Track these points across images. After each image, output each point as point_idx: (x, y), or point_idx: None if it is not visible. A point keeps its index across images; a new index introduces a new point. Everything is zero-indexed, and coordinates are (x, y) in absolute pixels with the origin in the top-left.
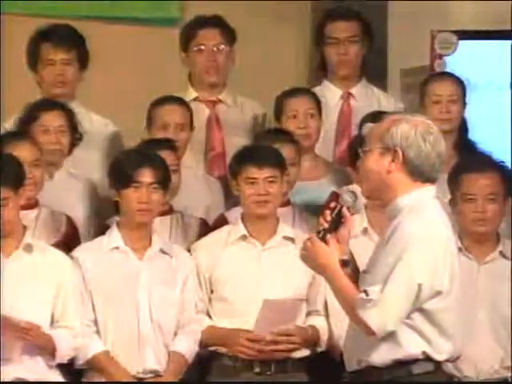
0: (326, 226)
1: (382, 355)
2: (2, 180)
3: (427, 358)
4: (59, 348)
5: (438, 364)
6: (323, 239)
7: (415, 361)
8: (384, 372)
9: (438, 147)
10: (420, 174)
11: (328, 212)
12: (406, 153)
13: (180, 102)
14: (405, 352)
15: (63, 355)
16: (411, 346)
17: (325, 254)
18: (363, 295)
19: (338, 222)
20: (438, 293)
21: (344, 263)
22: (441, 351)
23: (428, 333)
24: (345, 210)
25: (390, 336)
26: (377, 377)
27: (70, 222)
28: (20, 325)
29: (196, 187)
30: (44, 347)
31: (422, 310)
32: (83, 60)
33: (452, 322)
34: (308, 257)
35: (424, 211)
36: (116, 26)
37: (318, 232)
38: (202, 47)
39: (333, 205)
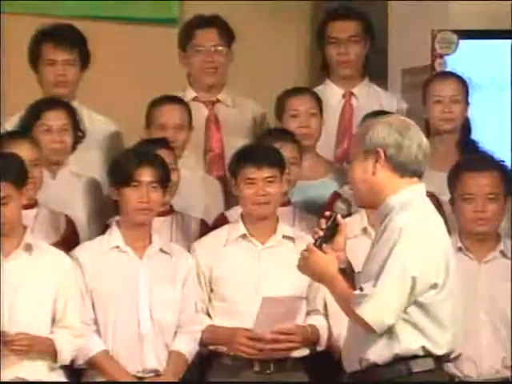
0: (322, 234)
1: (381, 352)
2: (4, 176)
3: (427, 354)
4: (60, 351)
5: (438, 361)
6: (320, 248)
7: (415, 357)
8: (384, 370)
9: (417, 139)
10: (404, 168)
11: (323, 221)
12: (387, 151)
13: (178, 101)
14: (404, 347)
15: (65, 358)
16: (410, 340)
17: (323, 262)
18: (358, 292)
19: (333, 231)
20: (434, 285)
21: (342, 271)
22: (440, 345)
23: (425, 327)
24: (339, 217)
25: (389, 332)
26: (376, 375)
27: (69, 221)
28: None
29: (195, 187)
30: (45, 352)
31: (418, 304)
32: (85, 60)
33: (449, 314)
34: (306, 266)
35: (414, 207)
36: (116, 26)
37: (315, 241)
38: (200, 48)
39: (327, 213)
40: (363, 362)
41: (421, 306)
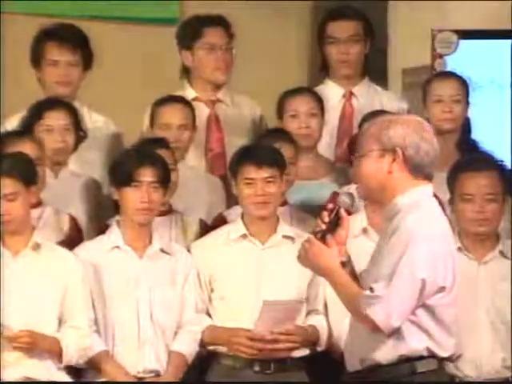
0: (324, 227)
1: (386, 352)
2: (12, 173)
3: (431, 355)
4: (66, 351)
5: (441, 362)
6: (322, 240)
7: (419, 358)
8: (388, 370)
9: (433, 142)
10: (421, 170)
11: (326, 213)
12: (405, 152)
13: (183, 101)
14: (409, 348)
15: (70, 358)
16: (415, 341)
17: (325, 255)
18: (368, 292)
19: (335, 224)
20: (442, 288)
21: (342, 265)
22: (444, 347)
23: (431, 329)
24: (342, 211)
25: (394, 332)
26: (380, 375)
27: (74, 221)
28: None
29: (198, 186)
30: (49, 351)
31: (425, 306)
32: (87, 61)
33: (454, 318)
34: (307, 258)
35: (423, 209)
36: (116, 26)
37: (316, 233)
38: (212, 46)
39: (330, 206)
40: (366, 361)
41: (428, 308)
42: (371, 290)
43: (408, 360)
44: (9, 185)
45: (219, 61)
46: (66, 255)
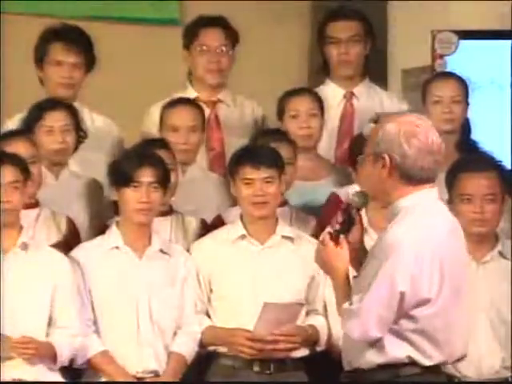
0: (338, 227)
1: (367, 359)
2: (14, 162)
3: (413, 363)
4: (60, 353)
5: (425, 368)
6: (335, 241)
7: (402, 364)
8: (372, 374)
9: (426, 146)
10: (410, 177)
11: (339, 213)
12: (393, 158)
13: (192, 104)
14: (389, 356)
15: (64, 359)
16: (396, 350)
17: (337, 257)
18: (347, 304)
19: (349, 224)
20: (426, 300)
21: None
22: (428, 356)
23: (414, 339)
24: (355, 210)
25: (376, 341)
26: (366, 378)
27: (71, 222)
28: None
29: (208, 188)
30: (44, 356)
31: (408, 316)
32: (91, 64)
33: (441, 327)
34: (320, 258)
35: (415, 214)
36: (116, 26)
37: (330, 233)
38: (205, 47)
39: (344, 206)
40: (352, 364)
41: (411, 318)
42: (351, 303)
43: (390, 366)
44: (13, 173)
45: (211, 62)
46: (54, 255)
